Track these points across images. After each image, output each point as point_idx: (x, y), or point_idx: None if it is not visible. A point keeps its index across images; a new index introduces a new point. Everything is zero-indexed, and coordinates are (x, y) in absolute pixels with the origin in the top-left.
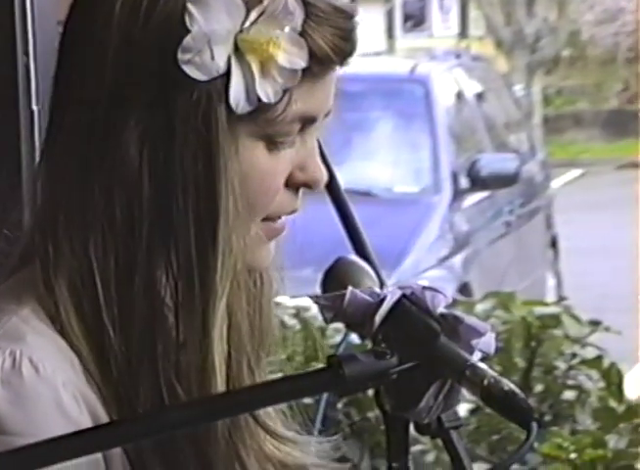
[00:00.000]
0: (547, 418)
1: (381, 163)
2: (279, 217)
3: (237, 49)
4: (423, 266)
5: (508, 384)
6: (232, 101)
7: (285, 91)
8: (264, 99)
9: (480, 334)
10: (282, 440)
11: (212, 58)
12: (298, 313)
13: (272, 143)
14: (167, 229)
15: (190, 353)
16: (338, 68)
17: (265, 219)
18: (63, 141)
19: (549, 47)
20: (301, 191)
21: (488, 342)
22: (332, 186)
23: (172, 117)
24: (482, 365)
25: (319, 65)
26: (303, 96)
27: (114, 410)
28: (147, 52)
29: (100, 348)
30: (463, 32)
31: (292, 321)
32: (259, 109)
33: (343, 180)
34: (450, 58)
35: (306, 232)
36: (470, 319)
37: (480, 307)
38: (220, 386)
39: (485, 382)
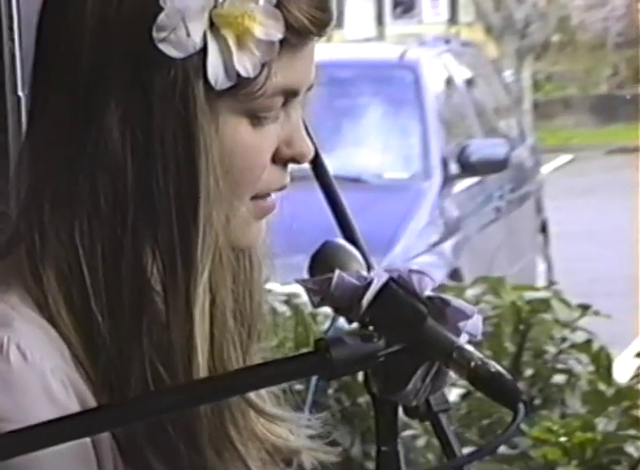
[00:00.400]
0: (537, 402)
1: (370, 149)
2: (268, 195)
3: (212, 24)
4: (413, 252)
5: (495, 366)
6: (210, 77)
7: (264, 65)
8: (243, 73)
9: (466, 316)
10: (273, 420)
11: (188, 34)
12: (289, 300)
13: (256, 118)
14: (150, 210)
15: (174, 333)
16: (316, 39)
17: (254, 197)
18: (45, 129)
19: (539, 32)
20: (289, 166)
21: (475, 324)
22: (320, 172)
23: (150, 96)
24: (470, 347)
25: (297, 36)
26: (284, 69)
27: (105, 397)
28: (122, 33)
29: (89, 335)
30: (453, 18)
31: (282, 308)
32: (239, 84)
33: (333, 167)
34: (440, 44)
35: (297, 219)
36: (457, 302)
37: (469, 292)
38: (203, 367)
39: (472, 364)
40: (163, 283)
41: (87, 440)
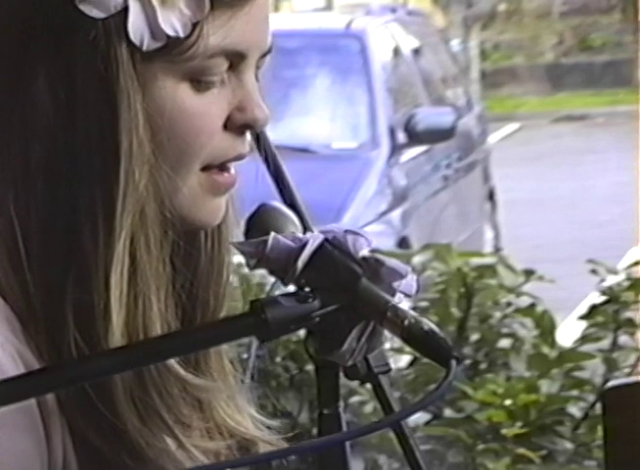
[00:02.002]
0: (483, 366)
1: (318, 119)
2: (225, 168)
3: None
4: (362, 221)
5: (428, 323)
6: (133, 37)
7: (196, 24)
8: (171, 33)
9: (401, 276)
10: (195, 390)
11: None
12: (236, 269)
13: (197, 82)
14: (78, 173)
15: (94, 295)
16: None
17: (207, 168)
18: None
19: (485, 1)
20: (247, 134)
21: (409, 283)
22: (260, 137)
23: (73, 59)
24: (403, 306)
25: None
26: (223, 29)
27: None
28: None
29: (29, 305)
30: None
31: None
32: (170, 44)
33: (281, 137)
34: (386, 13)
35: (238, 187)
36: (391, 262)
37: (417, 259)
38: (119, 332)
39: (406, 322)
40: (88, 244)
41: (35, 410)
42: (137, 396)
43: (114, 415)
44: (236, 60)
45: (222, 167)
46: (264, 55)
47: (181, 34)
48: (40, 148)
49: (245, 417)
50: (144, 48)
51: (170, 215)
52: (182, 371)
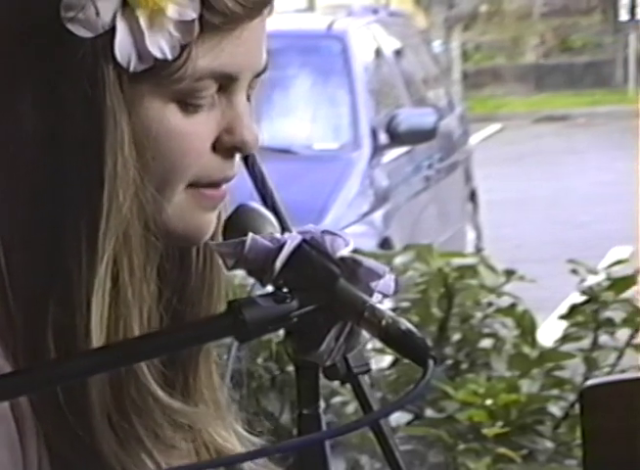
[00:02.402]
0: (464, 366)
1: (300, 120)
2: (214, 185)
3: (125, 3)
4: (344, 222)
5: (405, 323)
6: (119, 58)
7: (185, 46)
8: (158, 55)
9: (378, 276)
10: (174, 413)
11: (97, 14)
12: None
13: (185, 104)
14: (63, 192)
15: (75, 317)
16: (256, 20)
17: (193, 186)
18: None
19: (466, 3)
20: (236, 156)
21: (387, 284)
22: None
23: (60, 78)
24: (381, 306)
25: (221, 17)
26: (212, 52)
27: None
28: (30, 14)
29: (7, 321)
30: None
31: None
32: (158, 66)
33: (263, 138)
34: (368, 14)
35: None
36: (369, 262)
37: (398, 260)
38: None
39: (384, 322)
40: (70, 266)
41: (11, 423)
42: (115, 420)
43: (90, 438)
44: (226, 82)
45: (210, 184)
46: (258, 75)
47: (169, 57)
48: (24, 167)
49: (231, 434)
50: (131, 69)
51: (155, 236)
52: (162, 395)
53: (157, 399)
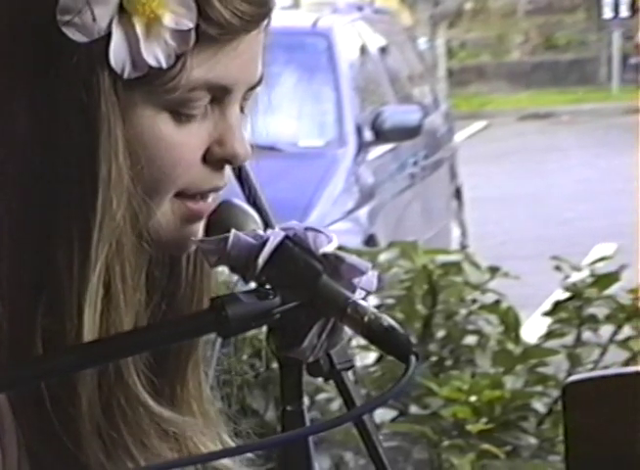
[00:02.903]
0: (448, 363)
1: (285, 117)
2: (201, 196)
3: (122, 10)
4: (329, 219)
5: (387, 320)
6: (114, 64)
7: (180, 56)
8: (153, 63)
9: (361, 272)
10: (164, 422)
11: (94, 19)
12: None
13: (178, 114)
14: (54, 198)
15: (66, 323)
16: (253, 33)
17: (181, 195)
18: None
19: (451, 0)
20: (226, 168)
21: (370, 280)
22: None
23: (55, 84)
24: (363, 303)
25: (218, 29)
26: (207, 63)
27: None
28: (27, 16)
29: None
30: None
31: None
32: (152, 74)
33: (248, 135)
34: (353, 11)
35: None
36: (351, 258)
37: (382, 257)
38: None
39: (366, 319)
40: (62, 273)
41: None
42: (104, 428)
43: (77, 449)
44: (220, 93)
45: (198, 195)
46: (253, 87)
47: (163, 65)
48: (17, 172)
49: (217, 445)
50: (125, 76)
51: (147, 244)
52: (152, 403)
53: (146, 408)
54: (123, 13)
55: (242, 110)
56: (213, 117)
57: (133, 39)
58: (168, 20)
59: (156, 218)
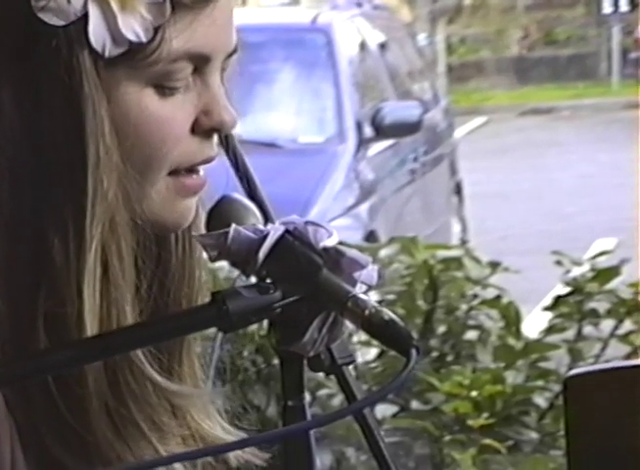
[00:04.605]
0: (449, 358)
1: (285, 113)
2: (193, 171)
3: None
4: (329, 215)
5: (388, 313)
6: (94, 43)
7: (158, 28)
8: (133, 38)
9: (361, 266)
10: (172, 396)
11: (68, 1)
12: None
13: (161, 87)
14: (45, 182)
15: (67, 307)
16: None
17: (175, 172)
18: None
19: None
20: (215, 137)
21: (370, 274)
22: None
23: (37, 68)
24: (364, 296)
25: None
26: (185, 33)
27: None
28: (2, 5)
29: None
30: None
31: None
32: (133, 50)
33: (248, 132)
34: (352, 7)
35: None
36: (351, 252)
37: (383, 253)
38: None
39: (367, 312)
40: (58, 256)
41: None
42: (113, 407)
43: (85, 428)
44: (200, 63)
45: (191, 170)
46: (229, 55)
47: (143, 39)
48: (5, 159)
49: (214, 423)
50: (106, 54)
51: (141, 221)
52: (159, 378)
53: (154, 383)
54: None
55: (222, 80)
56: (196, 89)
57: (110, 16)
58: None
59: (151, 197)
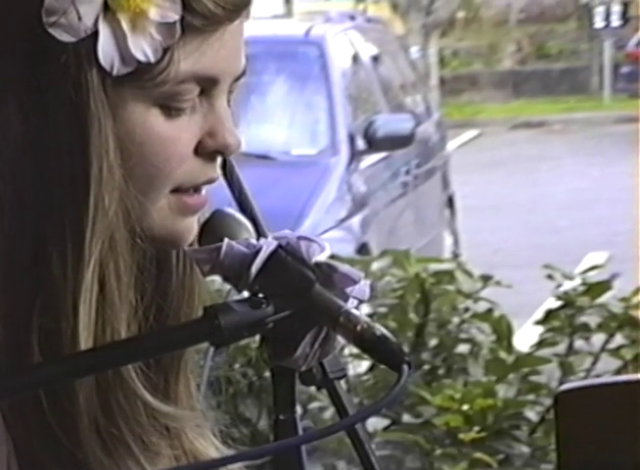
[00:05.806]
0: (441, 372)
1: (278, 125)
2: (195, 190)
3: (107, 7)
4: (322, 228)
5: (380, 329)
6: (102, 62)
7: (167, 49)
8: (142, 58)
9: (353, 281)
10: (164, 417)
11: (79, 18)
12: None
13: (168, 108)
14: (47, 198)
15: (62, 322)
16: (235, 22)
17: (177, 191)
18: None
19: (444, 9)
20: (218, 159)
21: (362, 289)
22: None
23: (44, 84)
24: (356, 312)
25: (202, 19)
26: (193, 54)
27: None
28: (14, 19)
29: None
30: None
31: None
32: (141, 70)
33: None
34: (345, 20)
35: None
36: (344, 267)
37: (375, 265)
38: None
39: (359, 328)
40: (56, 271)
41: None
42: (103, 425)
43: (75, 445)
44: (208, 85)
45: (193, 189)
46: (237, 79)
47: (152, 59)
48: (9, 172)
49: (208, 442)
50: (114, 73)
51: (140, 240)
52: (151, 399)
53: (145, 403)
54: (108, 10)
55: (228, 103)
56: (202, 110)
57: (120, 35)
58: (154, 13)
59: (151, 214)
